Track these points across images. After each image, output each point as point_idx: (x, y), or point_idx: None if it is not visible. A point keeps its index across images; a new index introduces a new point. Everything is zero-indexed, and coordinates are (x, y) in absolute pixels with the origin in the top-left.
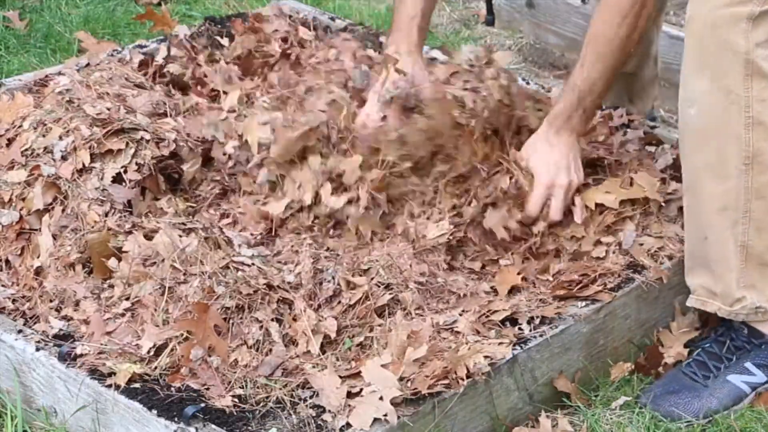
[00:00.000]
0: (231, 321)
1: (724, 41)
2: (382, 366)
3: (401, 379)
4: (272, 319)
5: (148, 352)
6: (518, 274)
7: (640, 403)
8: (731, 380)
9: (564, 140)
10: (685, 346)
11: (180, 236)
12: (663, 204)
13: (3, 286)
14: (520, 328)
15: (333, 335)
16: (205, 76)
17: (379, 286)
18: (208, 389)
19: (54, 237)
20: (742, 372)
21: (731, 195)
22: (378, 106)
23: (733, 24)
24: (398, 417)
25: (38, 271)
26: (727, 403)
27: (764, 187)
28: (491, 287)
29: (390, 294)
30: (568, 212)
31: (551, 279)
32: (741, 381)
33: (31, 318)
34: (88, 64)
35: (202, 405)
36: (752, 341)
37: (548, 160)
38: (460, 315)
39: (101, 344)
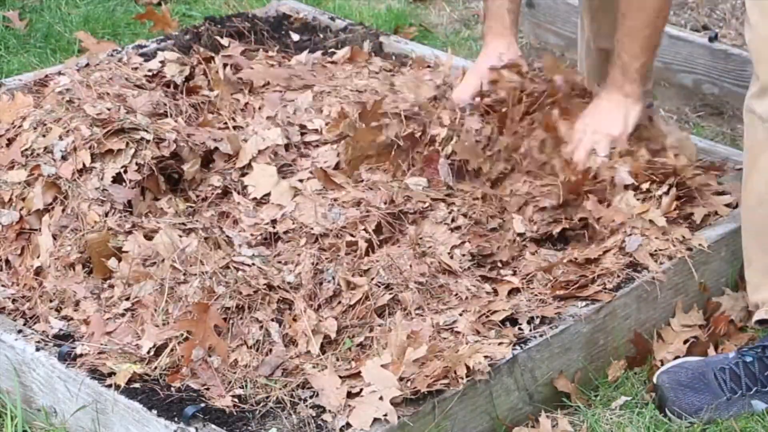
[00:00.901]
0: (231, 321)
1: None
2: (382, 366)
3: (401, 379)
4: (272, 320)
5: (148, 352)
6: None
7: (658, 380)
8: (754, 405)
9: (606, 103)
10: (685, 343)
11: (180, 236)
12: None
13: (3, 286)
14: (520, 328)
15: (333, 335)
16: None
17: (379, 287)
18: (208, 389)
19: (54, 237)
20: None
21: None
22: (474, 82)
23: None
24: (398, 417)
25: (38, 271)
26: (733, 418)
27: None
28: (492, 287)
29: (390, 294)
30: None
31: (551, 278)
32: (762, 407)
33: (31, 318)
34: (87, 64)
35: (202, 405)
36: None
37: (595, 112)
38: (460, 315)
39: (101, 344)
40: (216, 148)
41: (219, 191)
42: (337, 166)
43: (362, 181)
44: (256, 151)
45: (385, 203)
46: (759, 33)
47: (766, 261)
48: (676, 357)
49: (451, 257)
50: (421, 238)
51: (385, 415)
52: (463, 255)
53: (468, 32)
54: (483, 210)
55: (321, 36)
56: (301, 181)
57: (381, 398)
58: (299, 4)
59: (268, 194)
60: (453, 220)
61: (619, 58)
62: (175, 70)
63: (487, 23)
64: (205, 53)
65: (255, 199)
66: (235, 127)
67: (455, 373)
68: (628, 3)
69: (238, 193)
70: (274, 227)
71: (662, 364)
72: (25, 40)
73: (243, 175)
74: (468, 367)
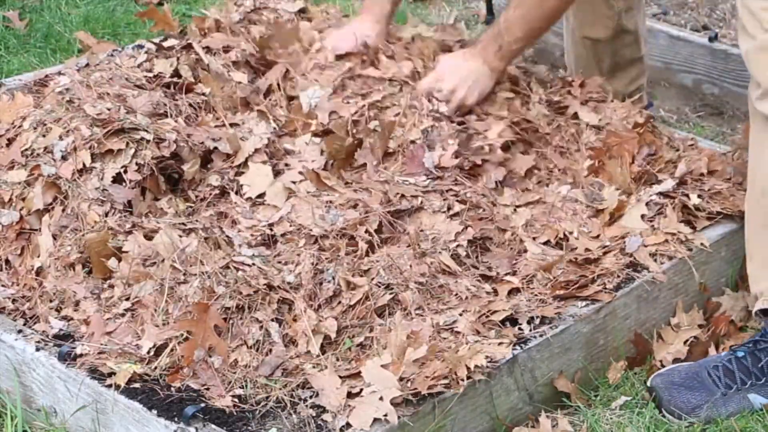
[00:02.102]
0: (231, 321)
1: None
2: (382, 366)
3: (401, 379)
4: (272, 320)
5: (148, 352)
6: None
7: (652, 383)
8: (751, 398)
9: (474, 62)
10: (685, 343)
11: (180, 236)
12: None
13: (3, 286)
14: (520, 328)
15: (333, 335)
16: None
17: (379, 287)
18: (208, 389)
19: (54, 237)
20: (765, 395)
21: None
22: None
23: None
24: (398, 417)
25: (38, 271)
26: (733, 416)
27: None
28: (492, 287)
29: (390, 294)
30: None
31: (551, 278)
32: (759, 402)
33: (31, 318)
34: (87, 65)
35: (202, 405)
36: None
37: (452, 62)
38: (460, 315)
39: (101, 344)
40: (215, 148)
41: (217, 191)
42: (325, 166)
43: (351, 183)
44: (252, 150)
45: (381, 203)
46: (755, 43)
47: (766, 253)
48: (676, 359)
49: (458, 246)
50: (422, 230)
51: (385, 415)
52: (469, 241)
53: (468, 32)
54: (474, 191)
55: None
56: (294, 182)
57: (381, 398)
58: None
59: (263, 194)
60: (449, 208)
61: (499, 34)
62: (165, 65)
63: (366, 3)
64: (182, 42)
65: (250, 198)
66: (232, 125)
67: (456, 374)
68: None
69: (236, 193)
70: (271, 230)
71: (662, 365)
72: (25, 40)
73: (239, 174)
74: (469, 369)
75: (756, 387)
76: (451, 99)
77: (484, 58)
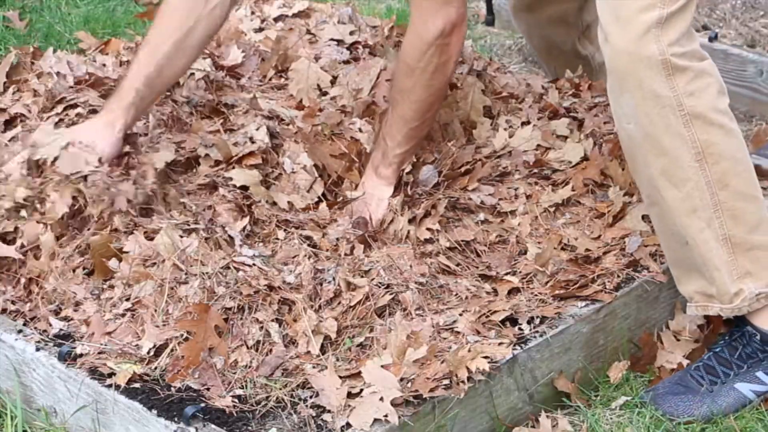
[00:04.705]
0: (231, 321)
1: (637, 51)
2: (383, 366)
3: (401, 379)
4: (272, 320)
5: (148, 352)
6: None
7: (641, 399)
8: (739, 388)
9: (369, 183)
10: (687, 357)
11: (181, 236)
12: None
13: (3, 287)
14: (520, 328)
15: (333, 335)
16: None
17: (379, 287)
18: (208, 389)
19: (57, 238)
20: (751, 381)
21: (695, 195)
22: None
23: (644, 33)
24: (398, 417)
25: (39, 274)
26: (730, 411)
27: (724, 175)
28: (492, 287)
29: (390, 294)
30: None
31: (550, 276)
32: (749, 390)
33: (31, 320)
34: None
35: (202, 405)
36: (765, 349)
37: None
38: (460, 315)
39: (101, 344)
40: (207, 155)
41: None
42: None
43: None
44: (246, 153)
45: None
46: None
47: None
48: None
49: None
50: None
51: (386, 415)
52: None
53: (468, 32)
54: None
55: None
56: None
57: (381, 399)
58: None
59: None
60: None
61: (382, 139)
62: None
63: (109, 99)
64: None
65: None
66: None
67: (456, 376)
68: (402, 92)
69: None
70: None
71: (660, 373)
72: (25, 40)
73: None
74: (469, 371)
75: (740, 376)
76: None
77: (373, 172)
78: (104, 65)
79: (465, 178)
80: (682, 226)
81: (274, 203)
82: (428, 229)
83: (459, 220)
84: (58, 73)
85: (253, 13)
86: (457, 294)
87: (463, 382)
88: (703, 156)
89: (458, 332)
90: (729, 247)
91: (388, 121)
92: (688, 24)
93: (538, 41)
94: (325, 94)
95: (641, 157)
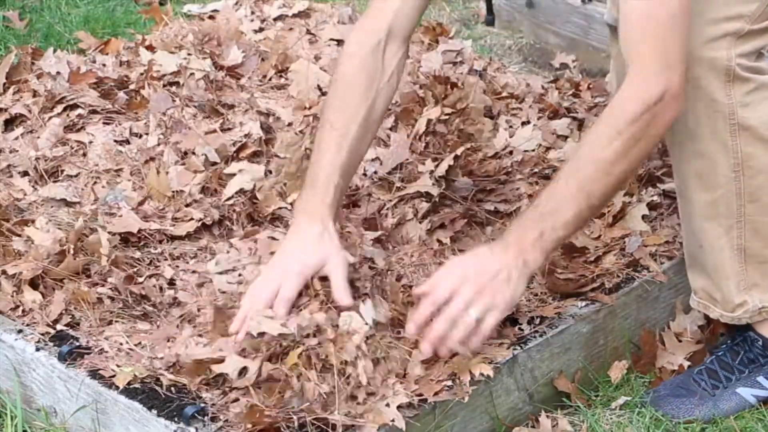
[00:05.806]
0: None
1: (707, 51)
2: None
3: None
4: None
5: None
6: None
7: (642, 401)
8: (740, 393)
9: (502, 257)
10: (688, 359)
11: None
12: None
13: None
14: (520, 328)
15: None
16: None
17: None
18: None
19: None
20: (753, 386)
21: (721, 203)
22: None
23: (720, 37)
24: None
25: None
26: (731, 415)
27: (758, 190)
28: None
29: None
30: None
31: (549, 276)
32: (750, 394)
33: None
34: None
35: (202, 405)
36: (767, 354)
37: (465, 261)
38: None
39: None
40: (204, 155)
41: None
42: None
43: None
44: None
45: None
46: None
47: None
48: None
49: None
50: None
51: (392, 420)
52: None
53: (468, 32)
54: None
55: None
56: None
57: (388, 405)
58: None
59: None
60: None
61: (542, 217)
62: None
63: (304, 196)
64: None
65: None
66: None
67: (459, 379)
68: (596, 162)
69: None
70: None
71: (660, 374)
72: (25, 40)
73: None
74: (472, 375)
75: (741, 380)
76: (479, 318)
77: (514, 251)
78: (104, 65)
79: (491, 194)
80: (701, 230)
81: None
82: (438, 240)
83: (471, 229)
84: (58, 73)
85: (253, 13)
86: None
87: (466, 385)
88: (741, 168)
89: None
90: (742, 257)
91: (556, 196)
92: (764, 44)
93: None
94: (325, 94)
95: (678, 152)
